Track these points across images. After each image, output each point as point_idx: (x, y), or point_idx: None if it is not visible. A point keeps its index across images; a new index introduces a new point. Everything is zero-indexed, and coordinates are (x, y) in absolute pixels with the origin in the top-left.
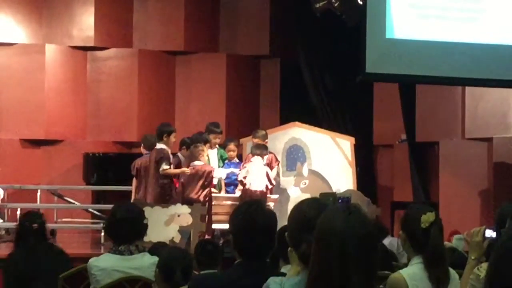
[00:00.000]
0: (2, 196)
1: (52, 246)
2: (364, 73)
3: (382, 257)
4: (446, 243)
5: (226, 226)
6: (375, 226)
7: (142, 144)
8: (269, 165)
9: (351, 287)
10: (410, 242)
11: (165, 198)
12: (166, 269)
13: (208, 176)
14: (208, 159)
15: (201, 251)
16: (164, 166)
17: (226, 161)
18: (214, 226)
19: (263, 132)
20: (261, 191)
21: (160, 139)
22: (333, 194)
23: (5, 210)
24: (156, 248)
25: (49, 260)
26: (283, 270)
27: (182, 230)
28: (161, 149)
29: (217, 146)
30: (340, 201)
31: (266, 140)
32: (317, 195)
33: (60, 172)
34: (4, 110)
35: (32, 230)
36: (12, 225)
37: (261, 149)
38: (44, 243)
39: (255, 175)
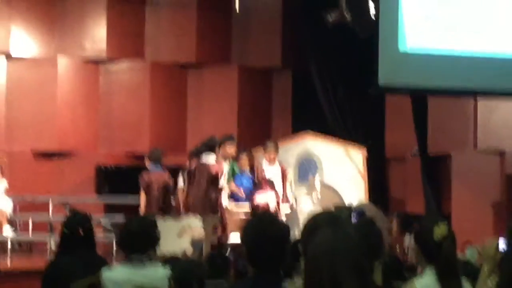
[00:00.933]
0: (10, 210)
1: (99, 257)
2: (376, 85)
3: (393, 267)
4: (459, 253)
5: (237, 238)
6: (363, 245)
7: (149, 158)
8: (283, 173)
9: None
10: (423, 254)
11: (216, 209)
12: (183, 281)
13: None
14: None
15: (210, 264)
16: (224, 180)
17: (238, 173)
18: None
19: (273, 144)
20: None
21: (212, 151)
22: (348, 208)
23: (17, 222)
24: (168, 261)
25: (94, 273)
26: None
27: (194, 242)
28: (219, 163)
29: (230, 159)
30: (354, 214)
31: (274, 153)
32: (329, 207)
33: (71, 184)
34: (17, 122)
35: (78, 235)
36: (24, 237)
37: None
38: (91, 252)
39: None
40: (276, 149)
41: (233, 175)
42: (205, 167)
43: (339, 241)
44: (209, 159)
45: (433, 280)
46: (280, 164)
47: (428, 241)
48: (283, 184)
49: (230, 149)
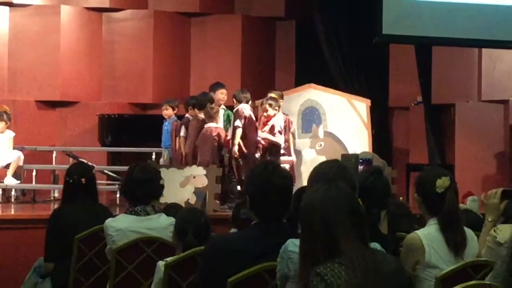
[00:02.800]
0: (22, 159)
1: (101, 206)
2: (380, 35)
3: (404, 218)
4: (460, 205)
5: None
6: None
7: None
8: (285, 128)
9: (342, 251)
10: (425, 205)
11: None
12: (179, 230)
13: (221, 138)
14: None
15: (237, 212)
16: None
17: None
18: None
19: (280, 92)
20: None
21: (247, 103)
22: (355, 156)
23: (21, 172)
24: (168, 209)
25: (98, 222)
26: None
27: (197, 192)
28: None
29: (223, 107)
30: (361, 162)
31: (281, 100)
32: (333, 157)
33: (75, 134)
34: (19, 72)
35: (80, 185)
36: (27, 186)
37: (275, 101)
38: (93, 202)
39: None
40: (280, 97)
41: (229, 123)
42: (252, 118)
43: (331, 191)
44: (248, 110)
45: (435, 230)
46: (284, 114)
47: (430, 192)
48: (285, 135)
49: (222, 94)
